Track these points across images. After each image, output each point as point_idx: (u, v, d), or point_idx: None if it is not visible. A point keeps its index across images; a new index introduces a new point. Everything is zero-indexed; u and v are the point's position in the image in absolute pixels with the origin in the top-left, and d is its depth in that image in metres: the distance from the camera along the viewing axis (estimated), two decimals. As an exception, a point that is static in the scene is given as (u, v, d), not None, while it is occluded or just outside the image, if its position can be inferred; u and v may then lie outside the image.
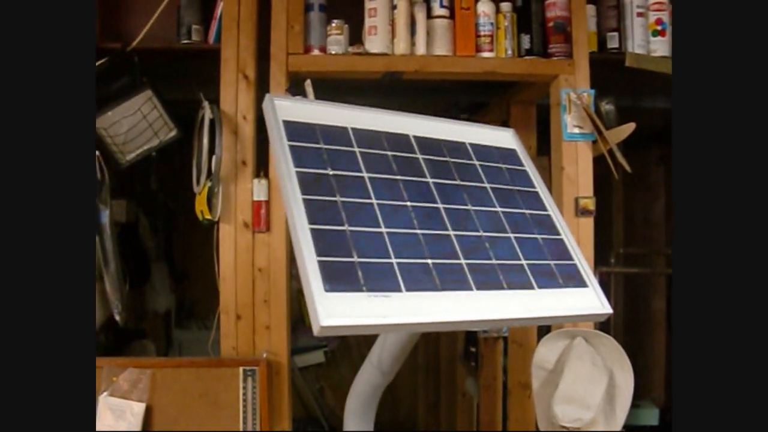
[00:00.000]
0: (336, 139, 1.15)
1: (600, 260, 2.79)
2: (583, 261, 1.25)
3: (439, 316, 0.98)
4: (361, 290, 0.94)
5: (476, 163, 1.34)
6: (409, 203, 1.13)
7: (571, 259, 1.26)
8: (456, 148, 1.34)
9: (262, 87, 2.15)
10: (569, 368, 2.10)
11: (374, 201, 1.08)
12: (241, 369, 2.05)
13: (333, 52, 2.17)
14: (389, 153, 1.20)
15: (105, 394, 2.05)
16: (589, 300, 1.17)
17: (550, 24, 2.27)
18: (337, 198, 1.05)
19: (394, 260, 1.00)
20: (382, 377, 1.18)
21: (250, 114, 2.14)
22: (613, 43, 2.35)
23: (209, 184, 2.13)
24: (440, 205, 1.17)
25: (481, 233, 1.16)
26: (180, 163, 2.39)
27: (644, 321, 4.81)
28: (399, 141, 1.24)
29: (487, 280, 1.08)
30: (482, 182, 1.29)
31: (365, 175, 1.12)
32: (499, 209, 1.24)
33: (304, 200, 0.99)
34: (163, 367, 2.09)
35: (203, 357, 2.16)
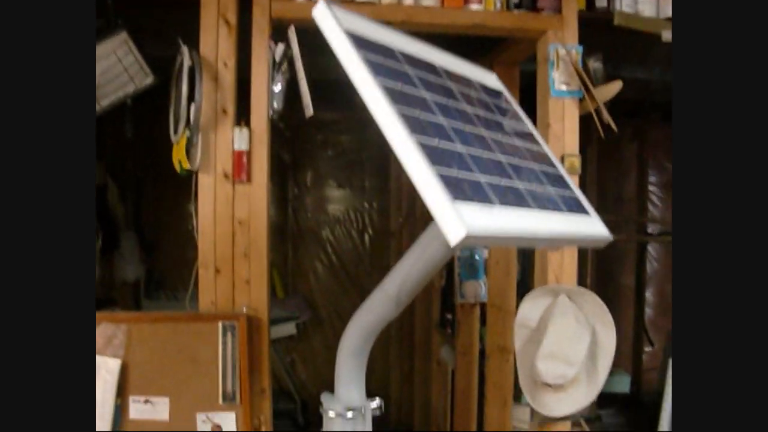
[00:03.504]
0: (389, 57, 1.09)
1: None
2: (580, 193, 1.26)
3: (549, 231, 1.02)
4: (475, 201, 0.91)
5: (482, 96, 1.31)
6: (461, 125, 1.10)
7: (571, 189, 1.25)
8: (467, 83, 1.32)
9: (243, 34, 2.08)
10: (553, 325, 2.08)
11: (443, 121, 1.04)
12: (220, 324, 2.00)
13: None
14: (430, 77, 1.16)
15: (78, 349, 1.98)
16: (596, 226, 1.18)
17: (540, -22, 2.24)
18: (419, 114, 1.00)
19: (480, 176, 0.99)
20: (396, 310, 1.14)
21: (231, 60, 2.07)
22: (601, 2, 2.33)
23: (188, 133, 2.06)
24: (483, 132, 1.15)
25: (505, 160, 1.14)
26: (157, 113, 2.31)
27: (613, 297, 4.87)
28: (431, 68, 1.21)
29: (539, 202, 1.09)
30: (489, 114, 1.26)
31: (426, 95, 1.07)
32: (504, 141, 1.22)
33: (396, 113, 0.93)
34: (140, 322, 2.03)
35: (181, 311, 2.10)
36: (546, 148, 1.36)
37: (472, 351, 3.12)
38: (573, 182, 1.28)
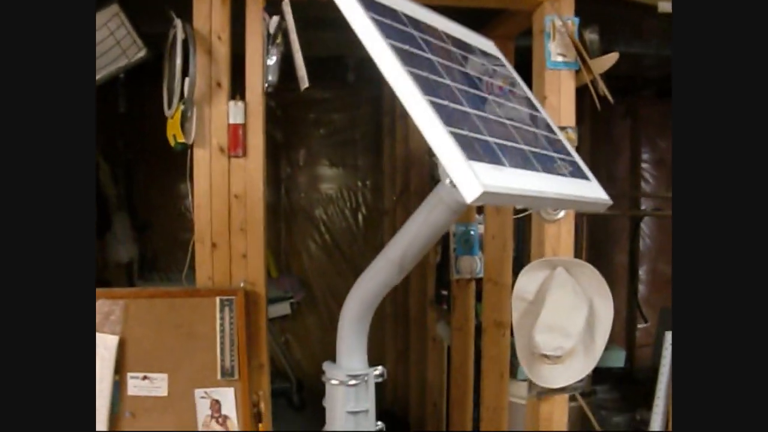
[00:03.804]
0: (395, 19, 1.08)
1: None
2: (579, 158, 1.26)
3: (555, 192, 1.04)
4: (486, 161, 0.93)
5: (482, 61, 1.31)
6: (466, 87, 1.10)
7: (571, 155, 1.25)
8: (467, 48, 1.31)
9: (237, 6, 2.06)
10: (550, 297, 2.09)
11: (449, 82, 1.03)
12: (217, 299, 1.99)
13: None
14: (433, 40, 1.15)
15: (75, 326, 1.97)
16: (597, 190, 1.19)
17: (536, -52, 2.22)
18: (428, 75, 1.00)
19: (488, 138, 0.99)
20: (399, 275, 1.14)
21: (225, 33, 2.04)
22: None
23: (182, 107, 2.03)
24: (486, 95, 1.15)
25: (509, 123, 1.14)
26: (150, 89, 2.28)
27: (607, 274, 4.89)
28: (434, 31, 1.21)
29: (544, 165, 1.10)
30: (490, 79, 1.26)
31: (432, 57, 1.07)
32: (506, 104, 1.21)
33: (407, 72, 0.93)
34: (137, 298, 2.01)
35: (178, 287, 2.09)
36: (544, 114, 1.37)
37: (467, 326, 3.13)
38: (571, 149, 1.28)
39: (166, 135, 2.08)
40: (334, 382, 1.22)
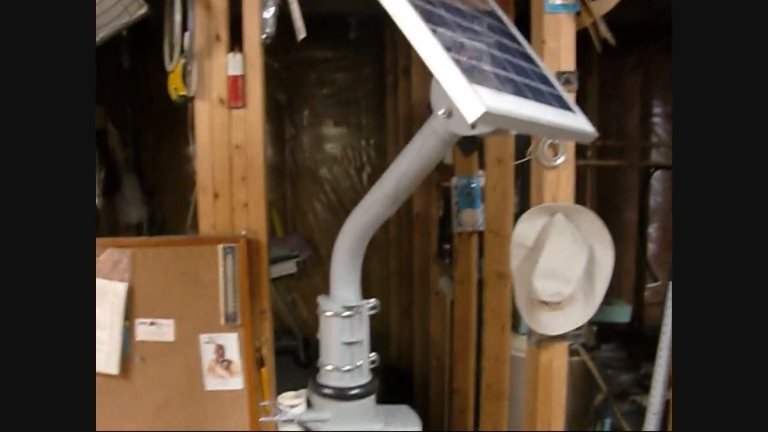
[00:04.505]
0: None
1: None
2: (564, 91, 1.29)
3: (547, 120, 1.08)
4: (493, 88, 0.97)
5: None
6: (460, 20, 1.13)
7: (556, 89, 1.28)
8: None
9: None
10: (549, 243, 2.10)
11: (444, 14, 1.06)
12: (220, 246, 2.03)
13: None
14: None
15: (85, 274, 2.02)
16: (583, 122, 1.21)
17: None
18: (425, 5, 1.03)
19: (486, 66, 1.04)
20: (392, 207, 1.18)
21: (223, -15, 2.05)
22: None
23: (182, 61, 2.06)
24: (477, 28, 1.19)
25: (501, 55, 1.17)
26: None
27: (616, 231, 4.86)
28: None
29: (535, 96, 1.14)
30: (481, 15, 1.27)
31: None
32: (495, 38, 1.23)
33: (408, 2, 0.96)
34: (143, 247, 2.06)
35: (182, 236, 2.13)
36: (528, 48, 1.38)
37: (470, 279, 3.16)
38: (556, 82, 1.30)
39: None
40: (328, 313, 1.26)
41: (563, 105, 1.22)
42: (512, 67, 1.17)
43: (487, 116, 0.90)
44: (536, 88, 1.18)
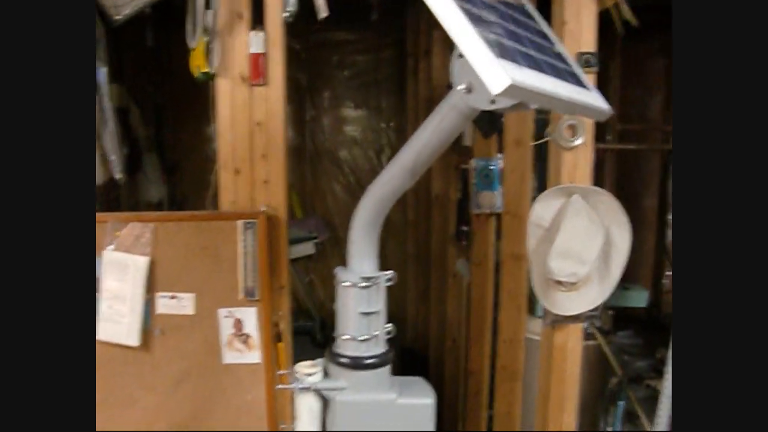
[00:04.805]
0: None
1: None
2: (579, 69, 1.30)
3: (566, 95, 1.10)
4: (515, 62, 0.99)
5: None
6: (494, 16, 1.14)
7: (571, 67, 1.29)
8: None
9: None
10: (565, 224, 2.11)
11: (482, 12, 1.08)
12: (240, 222, 2.05)
13: None
14: None
15: (110, 248, 2.06)
16: (598, 99, 1.23)
17: None
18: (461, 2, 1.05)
19: (508, 43, 1.06)
20: (411, 180, 1.20)
21: (245, -38, 2.07)
22: None
23: (205, 39, 2.08)
24: (501, 7, 1.20)
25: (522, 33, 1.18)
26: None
27: (635, 218, 4.82)
28: None
29: (554, 72, 1.15)
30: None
31: None
32: (515, 16, 1.24)
33: None
34: (165, 221, 2.09)
35: (203, 211, 2.16)
36: (544, 26, 1.39)
37: (486, 261, 3.17)
38: (571, 60, 1.31)
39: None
40: (346, 284, 1.28)
41: (578, 82, 1.23)
42: (531, 43, 1.18)
43: (512, 89, 0.92)
44: (553, 65, 1.19)
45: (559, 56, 1.27)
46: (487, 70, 0.93)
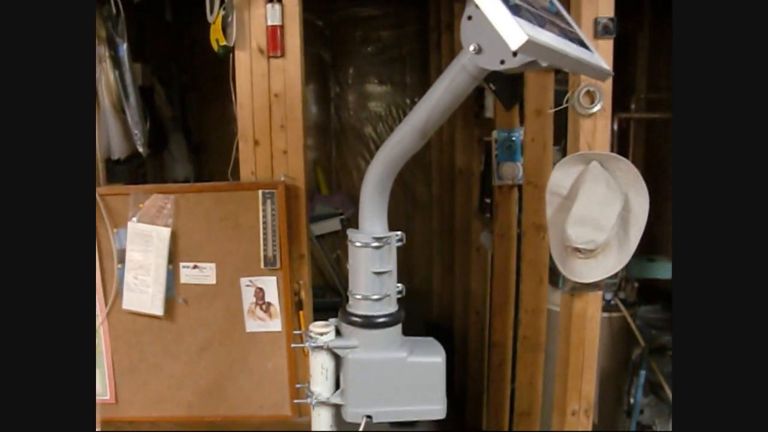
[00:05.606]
0: None
1: (619, 106, 2.72)
2: (581, 32, 1.31)
3: (575, 54, 1.14)
4: (528, 21, 1.02)
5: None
6: None
7: (574, 29, 1.30)
8: None
9: None
10: (583, 191, 2.10)
11: None
12: (260, 192, 2.09)
13: None
14: None
15: (134, 220, 2.11)
16: (601, 61, 1.24)
17: None
18: None
19: (522, 3, 1.09)
20: (421, 140, 1.22)
21: (261, -64, 2.08)
22: None
23: (223, 12, 2.11)
24: None
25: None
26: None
27: (663, 189, 4.77)
28: None
29: (560, 32, 1.17)
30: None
31: None
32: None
33: None
34: (186, 193, 2.14)
35: (224, 182, 2.20)
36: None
37: (509, 233, 3.18)
38: (573, 21, 1.32)
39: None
40: (358, 244, 1.30)
41: (582, 44, 1.25)
42: (538, 5, 1.19)
43: (528, 45, 0.95)
44: (559, 25, 1.20)
45: (562, 17, 1.28)
46: (505, 26, 0.96)
